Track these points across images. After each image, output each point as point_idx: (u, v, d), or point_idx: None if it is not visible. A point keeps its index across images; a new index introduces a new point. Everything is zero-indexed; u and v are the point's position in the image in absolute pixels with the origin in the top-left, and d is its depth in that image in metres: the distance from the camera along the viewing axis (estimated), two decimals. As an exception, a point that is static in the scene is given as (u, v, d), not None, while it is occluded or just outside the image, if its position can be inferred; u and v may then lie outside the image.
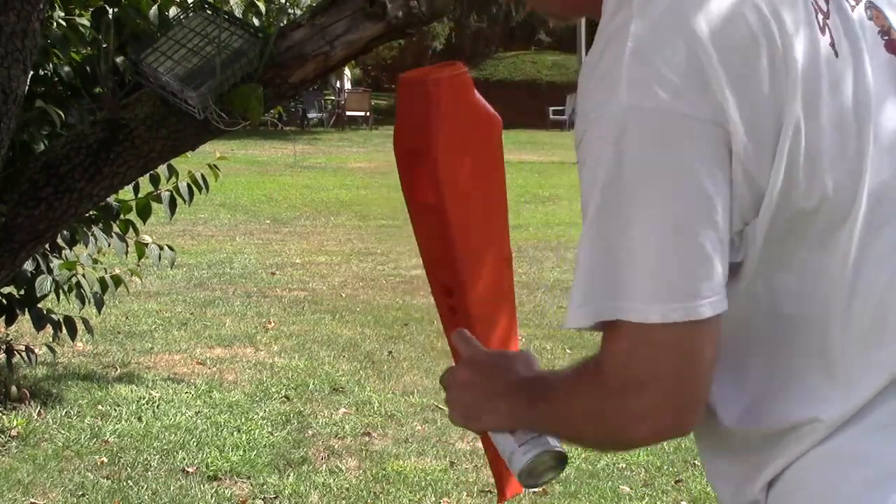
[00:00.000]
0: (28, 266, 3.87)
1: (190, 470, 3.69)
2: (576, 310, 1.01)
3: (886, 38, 1.11)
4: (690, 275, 0.97)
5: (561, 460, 1.18)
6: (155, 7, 3.12)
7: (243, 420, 4.23)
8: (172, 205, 4.14)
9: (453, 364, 1.28)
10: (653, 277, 0.97)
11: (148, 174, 3.54)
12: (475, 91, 1.47)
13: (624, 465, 3.82)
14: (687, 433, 1.05)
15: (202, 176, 4.20)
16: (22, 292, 4.06)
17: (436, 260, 1.54)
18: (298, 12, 2.69)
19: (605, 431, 1.07)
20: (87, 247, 4.21)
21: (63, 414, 4.24)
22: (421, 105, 1.43)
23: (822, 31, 1.05)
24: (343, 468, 3.76)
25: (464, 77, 1.46)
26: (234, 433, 4.08)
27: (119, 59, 2.99)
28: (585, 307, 1.00)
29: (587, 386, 1.06)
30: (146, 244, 4.33)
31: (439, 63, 1.55)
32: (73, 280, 4.11)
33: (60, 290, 4.11)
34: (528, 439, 1.18)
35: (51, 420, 4.16)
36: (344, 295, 6.83)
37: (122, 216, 4.19)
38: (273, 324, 5.94)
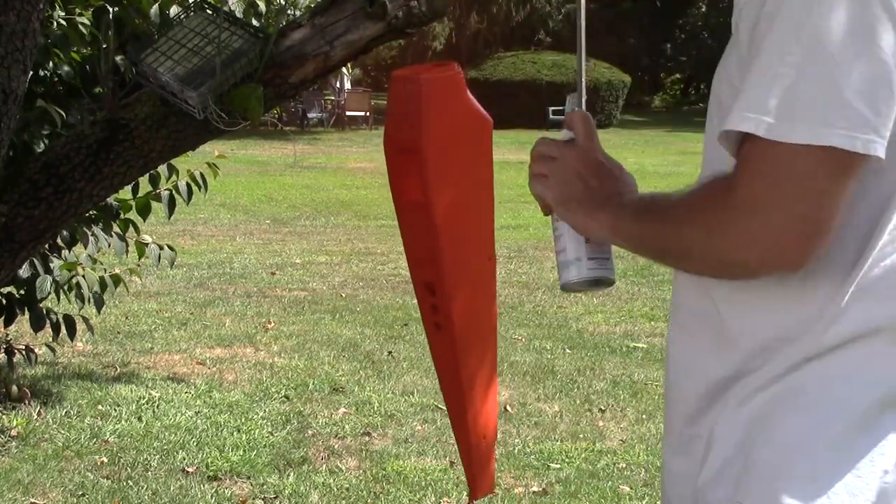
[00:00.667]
0: (28, 266, 3.87)
1: (190, 470, 3.69)
2: (739, 114, 1.00)
3: None
4: (874, 107, 0.96)
5: (608, 285, 1.24)
6: (156, 6, 3.12)
7: (243, 420, 4.23)
8: (171, 204, 4.14)
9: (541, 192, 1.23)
10: (835, 101, 0.96)
11: (147, 173, 3.54)
12: (468, 91, 1.47)
13: (624, 465, 3.82)
14: (800, 265, 1.01)
15: (201, 175, 4.20)
16: (22, 292, 4.06)
17: (420, 258, 1.54)
18: (298, 13, 2.69)
19: (720, 248, 1.04)
20: (86, 247, 4.21)
21: (63, 414, 4.24)
22: (414, 103, 1.43)
23: None
24: (343, 468, 3.76)
25: (457, 77, 1.46)
26: (234, 433, 4.08)
27: (119, 59, 2.99)
28: (751, 115, 0.99)
29: (713, 200, 1.04)
30: (146, 244, 4.33)
31: (433, 62, 1.55)
32: (73, 280, 4.11)
33: (61, 291, 4.11)
34: (598, 256, 1.21)
35: (51, 420, 4.16)
36: (344, 295, 6.83)
37: (121, 215, 4.19)
38: (273, 324, 5.94)
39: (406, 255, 1.56)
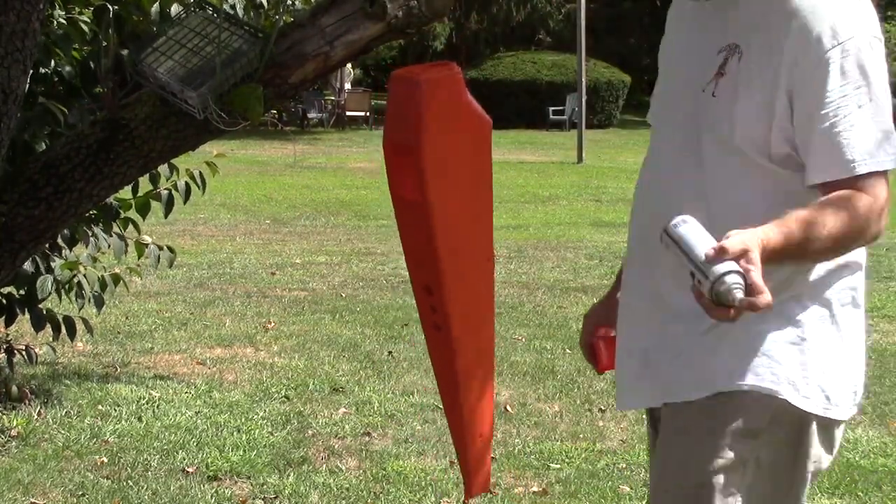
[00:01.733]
0: (28, 266, 3.87)
1: (190, 470, 3.69)
2: (868, 160, 1.58)
3: None
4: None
5: None
6: (156, 5, 3.12)
7: (243, 420, 4.23)
8: (170, 203, 4.13)
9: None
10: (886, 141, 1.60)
11: (148, 173, 3.54)
12: (467, 92, 1.47)
13: (624, 465, 3.82)
14: None
15: (200, 174, 4.19)
16: (22, 292, 4.05)
17: (417, 257, 1.54)
18: (299, 4, 2.69)
19: (864, 237, 1.60)
20: (87, 247, 4.21)
21: (63, 414, 4.24)
22: (413, 103, 1.43)
23: None
24: (343, 468, 3.76)
25: (457, 78, 1.46)
26: (234, 433, 4.08)
27: (122, 52, 2.99)
28: (873, 160, 1.58)
29: (864, 213, 1.57)
30: (146, 244, 4.33)
31: (432, 62, 1.55)
32: (74, 279, 4.11)
33: (61, 290, 4.11)
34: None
35: (51, 420, 4.16)
36: (344, 295, 6.83)
37: (121, 215, 4.19)
38: (273, 324, 5.94)
39: (405, 254, 1.57)
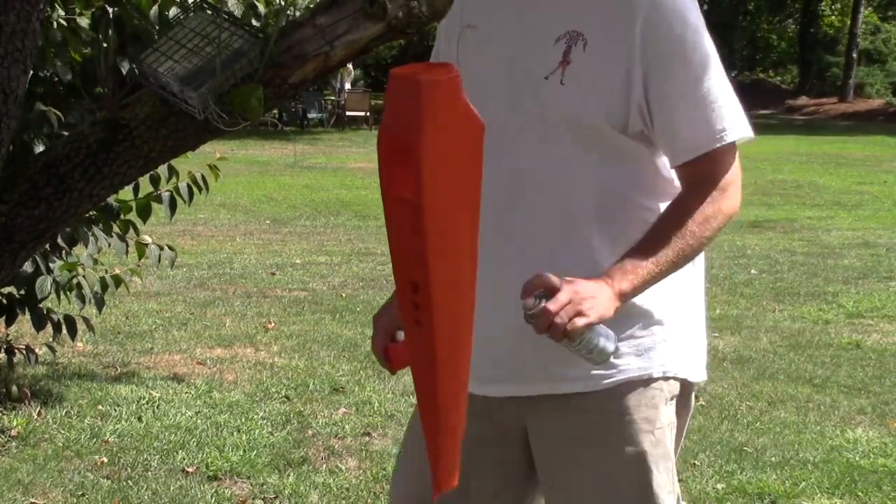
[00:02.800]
0: (28, 266, 3.87)
1: (190, 470, 3.70)
2: (727, 132, 1.68)
3: None
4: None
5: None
6: (155, 7, 3.12)
7: (243, 420, 4.23)
8: (172, 205, 4.14)
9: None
10: (740, 111, 1.70)
11: (148, 175, 3.54)
12: (464, 94, 1.49)
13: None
14: None
15: (202, 176, 4.20)
16: (22, 292, 4.05)
17: (406, 255, 1.56)
18: (298, 14, 2.69)
19: (724, 221, 1.68)
20: (86, 247, 4.21)
21: (63, 414, 4.24)
22: (413, 104, 1.44)
23: None
24: (343, 468, 3.77)
25: (456, 80, 1.48)
26: (234, 433, 4.08)
27: (119, 59, 2.99)
28: (739, 127, 1.70)
29: (710, 199, 1.67)
30: (146, 244, 4.33)
31: (431, 62, 1.56)
32: (74, 281, 4.11)
33: (61, 291, 4.11)
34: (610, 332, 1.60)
35: (51, 420, 4.16)
36: (344, 295, 6.83)
37: (121, 216, 4.19)
38: (273, 324, 5.94)
39: (391, 252, 1.58)
